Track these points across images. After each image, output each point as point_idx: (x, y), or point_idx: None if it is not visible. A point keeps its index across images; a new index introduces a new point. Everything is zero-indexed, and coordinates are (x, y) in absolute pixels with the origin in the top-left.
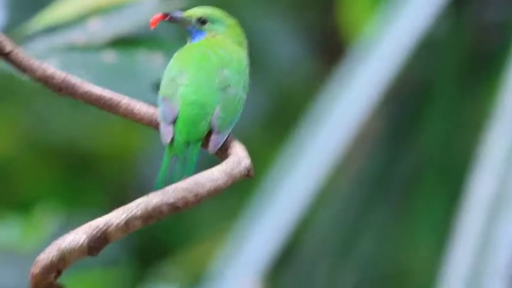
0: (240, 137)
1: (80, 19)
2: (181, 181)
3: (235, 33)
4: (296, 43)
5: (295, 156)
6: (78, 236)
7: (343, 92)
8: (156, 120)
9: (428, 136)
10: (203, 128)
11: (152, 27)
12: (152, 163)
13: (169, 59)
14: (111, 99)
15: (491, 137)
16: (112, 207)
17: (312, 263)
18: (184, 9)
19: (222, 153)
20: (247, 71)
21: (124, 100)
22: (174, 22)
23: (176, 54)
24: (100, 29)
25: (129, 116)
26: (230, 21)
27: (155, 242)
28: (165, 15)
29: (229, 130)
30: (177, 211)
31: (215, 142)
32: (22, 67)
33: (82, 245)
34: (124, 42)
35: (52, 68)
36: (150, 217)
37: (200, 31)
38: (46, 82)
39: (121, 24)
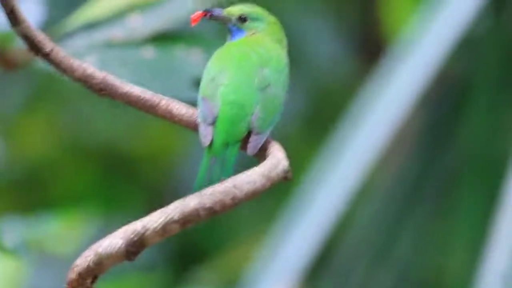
0: (279, 137)
1: (119, 15)
2: (218, 183)
3: (275, 31)
4: (336, 42)
5: (334, 157)
6: (115, 240)
7: (382, 91)
8: (195, 122)
9: (468, 135)
10: (242, 129)
11: (193, 24)
12: (190, 165)
13: (208, 55)
14: (150, 99)
15: None
16: (150, 210)
17: (350, 265)
18: (224, 5)
19: (260, 155)
20: (286, 70)
21: (163, 101)
22: (215, 19)
23: (215, 53)
24: (139, 25)
25: (168, 117)
26: (270, 18)
27: (191, 246)
28: (206, 12)
29: (269, 131)
30: (214, 215)
31: (254, 143)
32: (62, 67)
33: (119, 249)
34: (163, 38)
35: (91, 68)
36: (188, 221)
37: (240, 29)
38: (86, 82)
39: (160, 20)
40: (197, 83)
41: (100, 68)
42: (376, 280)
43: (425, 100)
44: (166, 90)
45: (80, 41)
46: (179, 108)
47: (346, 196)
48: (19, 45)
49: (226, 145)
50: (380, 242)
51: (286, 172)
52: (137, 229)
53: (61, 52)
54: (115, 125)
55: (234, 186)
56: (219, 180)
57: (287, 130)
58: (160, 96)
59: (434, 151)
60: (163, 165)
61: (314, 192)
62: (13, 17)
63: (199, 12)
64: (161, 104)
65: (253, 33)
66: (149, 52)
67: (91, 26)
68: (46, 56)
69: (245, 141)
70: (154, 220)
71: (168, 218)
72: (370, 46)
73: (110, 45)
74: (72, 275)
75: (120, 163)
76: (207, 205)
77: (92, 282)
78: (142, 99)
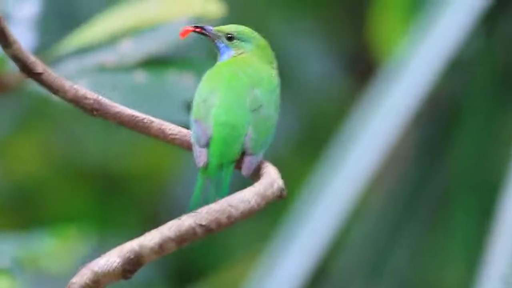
0: (272, 157)
1: (110, 40)
2: (214, 202)
3: (264, 53)
4: (327, 62)
5: (328, 176)
6: (112, 259)
7: (375, 111)
8: (188, 141)
9: (460, 154)
10: (236, 150)
11: (183, 38)
12: (184, 184)
13: (200, 80)
14: (143, 119)
15: None
16: (144, 229)
17: (345, 283)
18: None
19: (255, 174)
20: (278, 90)
21: (156, 121)
22: (204, 34)
23: (206, 75)
24: (130, 49)
25: (161, 137)
26: (261, 41)
27: (188, 264)
28: (196, 27)
29: (263, 152)
30: (210, 233)
31: (248, 164)
32: (54, 88)
33: (115, 268)
34: (155, 63)
35: (84, 89)
36: (184, 239)
37: (228, 47)
38: (78, 103)
39: (152, 45)
40: (189, 107)
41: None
42: None
43: (417, 120)
44: (158, 114)
45: (71, 66)
46: (172, 128)
47: (340, 214)
48: (11, 69)
49: (221, 166)
50: (375, 259)
51: (281, 190)
52: (134, 248)
53: (52, 73)
54: (108, 145)
55: (230, 205)
56: (214, 200)
57: (280, 150)
58: (152, 117)
59: (427, 170)
60: (157, 184)
61: (309, 210)
62: (4, 39)
63: (190, 27)
64: (153, 124)
65: (241, 53)
66: (141, 76)
67: (83, 50)
68: (38, 77)
69: (240, 161)
70: (151, 238)
71: (164, 237)
72: (361, 66)
73: (102, 69)
74: None
75: (113, 182)
76: (203, 224)
77: None
78: (135, 119)
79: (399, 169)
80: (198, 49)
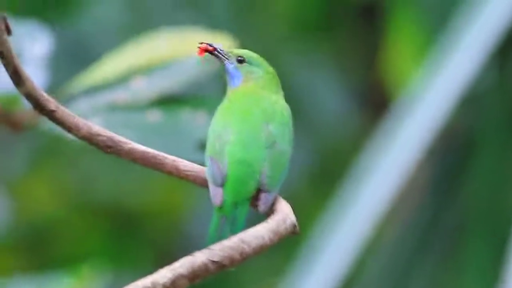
0: (285, 192)
1: (123, 78)
2: (227, 238)
3: (273, 81)
4: (341, 96)
5: (342, 211)
6: None
7: (389, 145)
8: (202, 177)
9: (474, 187)
10: (251, 187)
11: (201, 56)
12: (197, 221)
13: (213, 116)
14: (156, 156)
15: None
16: (158, 266)
17: None
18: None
19: (268, 210)
20: (291, 123)
21: (170, 157)
22: (215, 55)
23: (218, 110)
24: (143, 88)
25: (175, 174)
26: (269, 68)
27: None
28: (209, 46)
29: (278, 188)
30: (223, 270)
31: (265, 201)
32: (67, 125)
33: None
34: (168, 101)
35: (97, 126)
36: (196, 276)
37: (237, 70)
38: (91, 140)
39: (165, 83)
40: (203, 146)
41: None
42: None
43: (431, 154)
44: (172, 152)
45: (84, 104)
46: (186, 165)
47: (354, 248)
48: (24, 107)
49: (236, 204)
50: None
51: (294, 226)
52: (147, 285)
53: (65, 111)
54: (122, 182)
55: (243, 241)
56: (228, 237)
57: (294, 185)
58: (166, 154)
59: (441, 203)
60: (171, 220)
61: (323, 245)
62: (17, 77)
63: (204, 45)
64: (167, 161)
65: (250, 79)
66: (154, 115)
67: (95, 89)
68: (51, 114)
69: (255, 197)
70: (163, 275)
71: (177, 273)
72: (375, 100)
73: (114, 107)
74: None
75: (127, 219)
76: (216, 260)
77: None
78: (148, 155)
79: (414, 203)
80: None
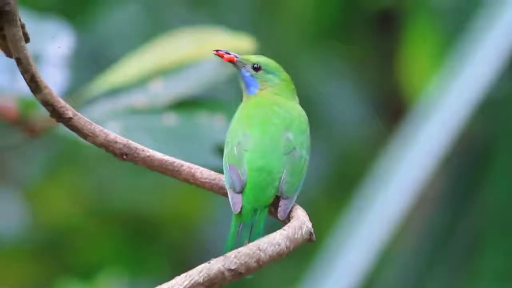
0: (302, 199)
1: (141, 82)
2: (244, 245)
3: (289, 88)
4: (358, 103)
5: (358, 219)
6: None
7: (405, 152)
8: (218, 185)
9: (492, 195)
10: (270, 194)
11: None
12: (213, 228)
13: (230, 120)
14: (173, 163)
15: None
16: (175, 273)
17: None
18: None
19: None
20: (308, 130)
21: (186, 165)
22: (231, 61)
23: (236, 116)
24: (161, 91)
25: (191, 181)
26: (284, 75)
27: None
28: (227, 53)
29: (297, 194)
30: (239, 277)
31: (284, 208)
32: (84, 133)
33: None
34: (185, 104)
35: (113, 133)
36: (213, 283)
37: (253, 78)
38: (108, 147)
39: (182, 86)
40: (220, 149)
41: (122, 135)
42: None
43: (448, 161)
44: (189, 156)
45: (102, 108)
46: (202, 172)
47: (370, 257)
48: (41, 112)
49: (255, 211)
50: None
51: (310, 234)
52: None
53: (82, 118)
54: (138, 188)
55: (259, 249)
56: (245, 243)
57: (311, 192)
58: (182, 161)
59: (458, 211)
60: (187, 227)
61: (338, 253)
62: (34, 85)
63: (221, 52)
64: (183, 168)
65: (266, 87)
66: (171, 119)
67: (113, 92)
68: (68, 122)
69: (273, 204)
70: (180, 283)
71: (193, 281)
72: (392, 107)
73: (132, 111)
74: None
75: (144, 226)
76: (232, 268)
77: None
78: (165, 163)
79: (430, 210)
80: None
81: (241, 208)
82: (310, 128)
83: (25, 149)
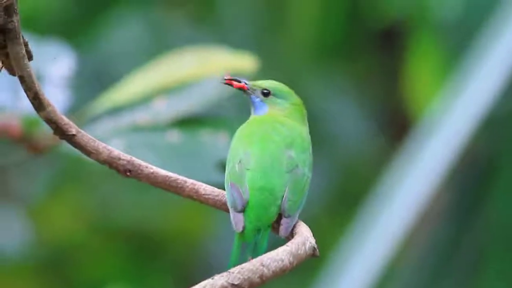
0: (305, 216)
1: (144, 99)
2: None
3: (298, 112)
4: (361, 120)
5: (361, 235)
6: None
7: (409, 168)
8: (221, 201)
9: (495, 211)
10: (273, 213)
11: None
12: (217, 244)
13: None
14: (176, 180)
15: None
16: None
17: None
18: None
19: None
20: (310, 148)
21: (189, 181)
22: (240, 88)
23: (237, 134)
24: (164, 109)
25: (194, 197)
26: (296, 99)
27: None
28: (235, 80)
29: (299, 212)
30: None
31: (286, 226)
32: (87, 150)
33: None
34: (189, 122)
35: (117, 150)
36: None
37: (263, 103)
38: (112, 164)
39: (185, 104)
40: (223, 166)
41: (126, 152)
42: None
43: (452, 177)
44: (192, 173)
45: (105, 125)
46: (205, 188)
47: (374, 273)
48: (45, 130)
49: (258, 230)
50: None
51: (313, 249)
52: None
53: (86, 135)
54: (142, 205)
55: (262, 264)
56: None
57: (314, 208)
58: (186, 178)
59: (462, 228)
60: (191, 243)
61: (341, 269)
62: (37, 103)
63: (228, 78)
64: (187, 185)
65: (275, 110)
66: (174, 136)
67: (117, 110)
68: (72, 139)
69: (275, 222)
70: None
71: None
72: (395, 124)
73: (136, 128)
74: None
75: (148, 243)
76: (236, 283)
77: None
78: (168, 179)
79: (434, 226)
80: (232, 107)
81: (243, 228)
82: (314, 145)
83: (29, 167)
